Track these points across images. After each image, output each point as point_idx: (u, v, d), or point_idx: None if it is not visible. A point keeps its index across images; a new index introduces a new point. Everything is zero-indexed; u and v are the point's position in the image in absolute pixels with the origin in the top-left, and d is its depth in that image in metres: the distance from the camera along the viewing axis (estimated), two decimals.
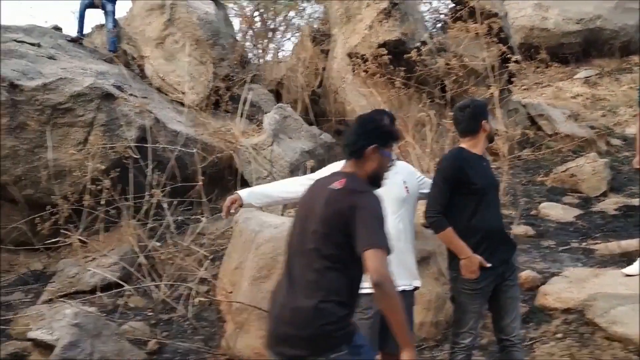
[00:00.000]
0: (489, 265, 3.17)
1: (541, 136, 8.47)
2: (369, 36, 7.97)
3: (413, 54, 6.91)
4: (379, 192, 3.15)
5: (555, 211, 6.26)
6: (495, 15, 7.37)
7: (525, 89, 12.42)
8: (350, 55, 8.24)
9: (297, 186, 3.38)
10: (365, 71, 7.37)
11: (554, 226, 6.09)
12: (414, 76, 7.22)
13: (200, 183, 5.45)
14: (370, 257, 2.27)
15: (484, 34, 6.80)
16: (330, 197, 2.45)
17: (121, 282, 5.37)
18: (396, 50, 7.58)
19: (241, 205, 3.34)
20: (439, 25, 9.84)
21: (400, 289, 3.01)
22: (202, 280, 5.43)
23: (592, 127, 9.25)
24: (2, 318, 5.14)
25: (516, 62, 7.59)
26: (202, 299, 5.19)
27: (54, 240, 5.61)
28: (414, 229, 3.41)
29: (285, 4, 16.02)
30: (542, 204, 6.47)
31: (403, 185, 3.25)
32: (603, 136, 9.08)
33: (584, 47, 14.44)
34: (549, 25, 14.30)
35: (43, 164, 6.13)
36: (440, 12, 10.15)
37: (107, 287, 5.53)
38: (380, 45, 7.67)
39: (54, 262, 6.40)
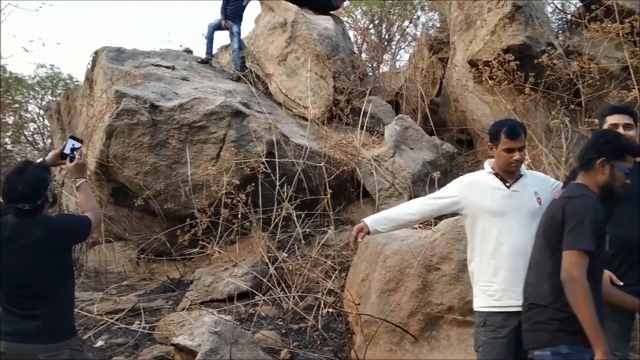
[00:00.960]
0: (620, 283, 2.92)
1: None
2: (492, 42, 7.73)
3: (544, 58, 6.57)
4: (508, 205, 3.05)
5: None
6: (634, 12, 6.84)
7: None
8: (471, 62, 8.04)
9: (419, 207, 3.36)
10: (490, 78, 7.11)
11: None
12: (542, 81, 6.87)
13: (328, 196, 5.53)
14: (564, 257, 2.53)
15: (625, 34, 6.31)
16: (549, 207, 2.81)
17: (254, 291, 5.56)
18: (521, 55, 7.27)
19: (368, 233, 3.34)
20: (566, 26, 9.35)
21: (511, 310, 2.91)
22: (330, 292, 5.51)
23: None
24: (147, 325, 5.51)
25: None
26: (330, 310, 5.26)
27: (192, 250, 5.94)
28: None
29: (399, 13, 16.02)
30: None
31: (535, 197, 3.10)
32: None
33: None
34: None
35: (181, 179, 6.54)
36: (567, 12, 9.65)
37: (240, 295, 5.76)
38: (504, 51, 7.40)
39: (190, 271, 6.80)
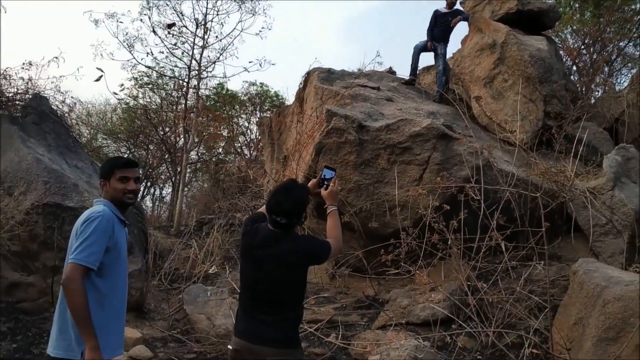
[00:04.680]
0: None
1: None
2: None
3: None
4: None
5: None
6: None
7: None
8: None
9: None
10: None
11: None
12: None
13: (544, 229, 5.17)
14: None
15: None
16: None
17: (454, 318, 5.39)
18: None
19: None
20: None
21: None
22: (535, 331, 5.13)
23: None
24: (344, 339, 5.64)
25: None
26: (536, 350, 4.90)
27: (389, 270, 5.95)
28: None
29: (615, 31, 14.65)
30: None
31: None
32: None
33: None
34: None
35: (384, 198, 6.61)
36: None
37: (435, 322, 5.64)
38: None
39: (384, 289, 6.85)
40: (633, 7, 14.78)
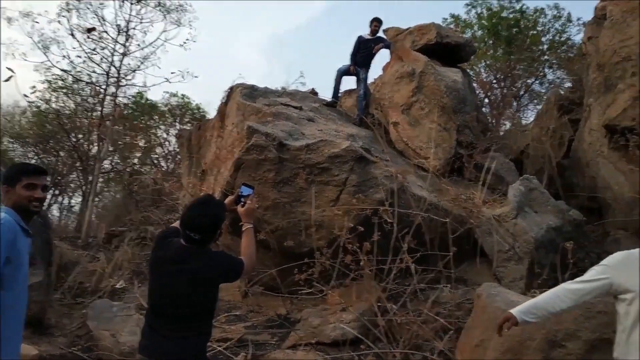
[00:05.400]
0: None
1: None
2: (633, 107, 7.28)
3: None
4: None
5: None
6: None
7: None
8: (608, 127, 7.61)
9: (568, 292, 3.12)
10: (630, 146, 6.68)
11: None
12: None
13: (451, 253, 5.37)
14: None
15: None
16: None
17: (363, 339, 5.47)
18: None
19: (516, 324, 3.18)
20: None
21: None
22: (440, 353, 5.29)
23: None
24: (253, 358, 5.57)
25: None
26: None
27: (302, 289, 5.97)
28: None
29: (524, 69, 15.65)
30: None
31: None
32: None
33: None
34: None
35: (301, 217, 6.64)
36: None
37: (345, 342, 5.69)
38: None
39: (296, 309, 6.84)
40: (540, 47, 15.88)
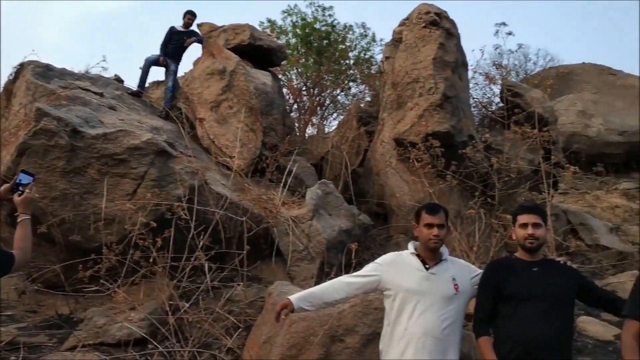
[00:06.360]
0: None
1: (580, 245, 8.32)
2: (419, 124, 8.10)
3: (468, 150, 6.97)
4: (424, 287, 3.13)
5: (595, 327, 6.04)
6: (547, 122, 7.46)
7: (561, 194, 12.36)
8: (397, 140, 8.36)
9: (343, 285, 3.38)
10: (411, 159, 7.42)
11: (592, 343, 5.87)
12: (461, 171, 7.24)
13: (245, 251, 5.44)
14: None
15: (542, 140, 6.82)
16: None
17: (149, 339, 5.28)
18: (444, 142, 7.67)
19: (292, 311, 3.32)
20: (485, 122, 9.99)
21: None
22: (229, 350, 5.33)
23: (632, 243, 9.09)
24: None
25: (562, 167, 7.62)
26: None
27: (88, 287, 5.59)
28: (461, 330, 3.32)
29: (332, 80, 16.54)
30: (581, 317, 6.26)
31: (452, 282, 3.21)
32: None
33: (624, 159, 14.47)
34: (591, 133, 14.45)
35: (91, 210, 6.21)
36: (488, 109, 10.34)
37: (133, 342, 5.45)
38: (429, 135, 7.77)
39: (82, 308, 6.38)
40: (347, 62, 16.94)
